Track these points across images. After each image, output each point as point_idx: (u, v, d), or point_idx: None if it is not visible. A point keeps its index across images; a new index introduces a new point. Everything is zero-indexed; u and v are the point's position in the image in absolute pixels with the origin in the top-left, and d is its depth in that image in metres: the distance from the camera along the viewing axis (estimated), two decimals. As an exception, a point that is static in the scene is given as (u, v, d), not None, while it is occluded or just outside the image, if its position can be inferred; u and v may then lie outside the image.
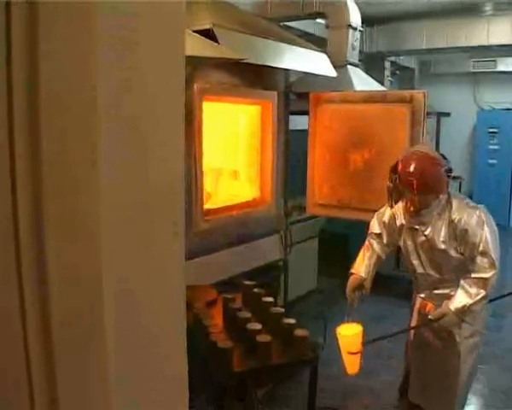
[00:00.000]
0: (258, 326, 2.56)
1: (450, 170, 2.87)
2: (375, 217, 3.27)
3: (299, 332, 2.58)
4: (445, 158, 2.88)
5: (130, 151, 0.85)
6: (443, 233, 2.88)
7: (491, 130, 9.56)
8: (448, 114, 7.91)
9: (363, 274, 3.15)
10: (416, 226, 2.97)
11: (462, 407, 3.33)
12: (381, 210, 3.20)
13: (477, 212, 2.83)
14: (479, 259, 2.78)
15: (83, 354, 0.83)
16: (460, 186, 9.02)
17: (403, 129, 3.87)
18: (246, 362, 2.48)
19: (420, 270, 3.09)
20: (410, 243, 3.07)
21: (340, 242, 5.82)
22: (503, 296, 2.71)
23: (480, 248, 2.77)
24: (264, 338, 2.48)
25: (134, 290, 0.88)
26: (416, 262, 3.09)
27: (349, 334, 2.57)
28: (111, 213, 0.82)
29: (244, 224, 4.05)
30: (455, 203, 2.87)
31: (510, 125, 9.39)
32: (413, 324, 3.32)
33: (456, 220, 2.83)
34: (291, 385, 3.92)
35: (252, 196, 4.33)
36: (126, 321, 0.87)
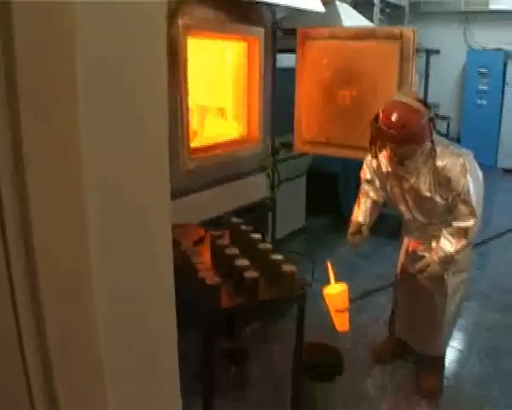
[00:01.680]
0: (245, 263, 2.58)
1: (432, 118, 2.85)
2: (365, 164, 3.28)
3: (287, 268, 2.60)
4: (427, 106, 2.86)
5: (113, 97, 0.84)
6: (428, 181, 2.89)
7: (480, 70, 9.50)
8: (437, 52, 7.83)
9: (360, 219, 3.18)
10: (402, 174, 2.99)
11: (447, 343, 3.44)
12: (368, 157, 3.20)
13: (461, 159, 2.84)
14: (460, 207, 2.82)
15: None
16: (448, 126, 9.03)
17: (392, 66, 3.82)
18: (234, 298, 2.50)
19: (408, 215, 3.13)
20: (396, 189, 3.09)
21: (328, 181, 5.84)
22: (493, 238, 2.76)
23: (462, 197, 2.80)
24: (251, 274, 2.50)
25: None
26: (403, 208, 3.13)
27: (335, 292, 2.60)
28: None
29: (231, 162, 4.03)
30: (439, 151, 2.87)
31: (500, 66, 9.33)
32: (400, 264, 3.39)
33: (439, 168, 2.84)
34: (280, 323, 4.01)
35: (239, 134, 4.30)
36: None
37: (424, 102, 2.89)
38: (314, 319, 3.81)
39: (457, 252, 2.86)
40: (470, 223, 2.80)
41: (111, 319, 0.89)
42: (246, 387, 3.41)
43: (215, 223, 3.56)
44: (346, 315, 2.66)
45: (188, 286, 2.66)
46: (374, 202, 3.23)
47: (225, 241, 2.90)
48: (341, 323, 2.68)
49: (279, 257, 2.67)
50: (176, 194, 3.43)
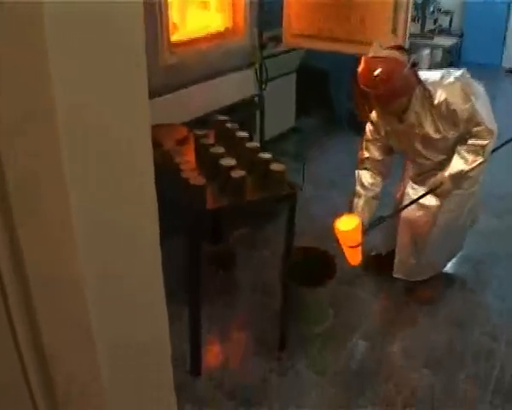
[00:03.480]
0: (232, 162, 2.52)
1: (415, 63, 2.73)
2: (364, 143, 3.12)
3: (276, 167, 2.54)
4: (407, 51, 2.76)
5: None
6: (432, 123, 2.82)
7: (487, -41, 9.11)
8: None
9: (365, 222, 2.95)
10: (403, 128, 2.90)
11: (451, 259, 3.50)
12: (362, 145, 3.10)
13: (457, 85, 2.74)
14: (474, 130, 2.78)
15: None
16: (451, 21, 8.74)
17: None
18: (219, 199, 2.47)
19: (421, 160, 3.07)
20: (403, 144, 3.02)
21: (319, 78, 5.66)
22: (497, 148, 2.72)
23: (473, 121, 2.75)
24: (238, 174, 2.45)
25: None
26: (415, 157, 3.08)
27: (348, 229, 2.53)
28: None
29: (216, 57, 3.90)
30: (432, 88, 2.76)
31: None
32: (402, 189, 3.37)
33: (439, 105, 2.75)
34: (270, 229, 4.03)
35: (223, 27, 4.15)
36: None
37: (403, 48, 2.77)
38: (305, 225, 3.85)
39: (472, 170, 2.82)
40: (487, 141, 2.76)
41: (92, 249, 0.88)
42: (234, 293, 3.44)
43: (199, 122, 3.47)
44: (359, 250, 2.63)
45: (170, 187, 2.63)
46: (375, 197, 3.08)
47: (210, 140, 2.82)
48: (354, 257, 2.65)
49: (267, 156, 2.61)
50: (156, 92, 3.33)
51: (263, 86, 4.40)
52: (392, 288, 3.48)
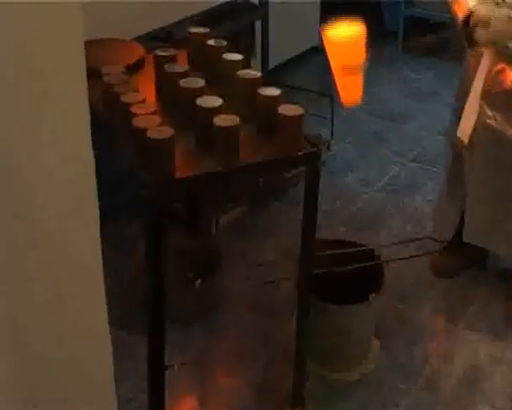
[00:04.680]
0: (216, 101, 2.45)
1: None
2: None
3: (288, 110, 2.46)
4: None
5: None
6: None
7: None
8: None
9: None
10: None
11: None
12: None
13: None
14: None
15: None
16: None
17: None
18: (197, 163, 2.42)
19: None
20: None
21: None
22: None
23: None
24: (226, 121, 2.37)
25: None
26: None
27: (344, 37, 2.56)
28: None
29: None
30: None
31: None
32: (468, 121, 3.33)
33: None
34: (276, 211, 3.98)
35: None
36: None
37: None
38: (333, 204, 3.80)
39: None
40: None
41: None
42: (220, 313, 3.43)
43: (163, 37, 3.41)
44: (359, 78, 2.64)
45: (117, 143, 2.61)
46: None
47: (181, 65, 2.76)
48: (350, 91, 2.68)
49: (274, 92, 2.54)
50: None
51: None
52: (476, 303, 3.47)
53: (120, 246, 3.43)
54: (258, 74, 2.68)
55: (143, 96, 2.62)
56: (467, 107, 3.29)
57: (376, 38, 5.37)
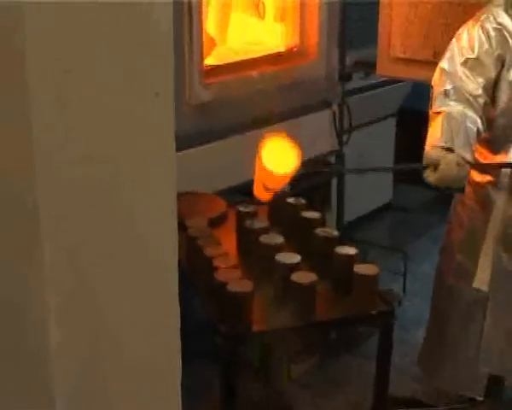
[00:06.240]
0: (294, 258, 2.53)
1: None
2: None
3: (363, 269, 2.53)
4: None
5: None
6: None
7: None
8: None
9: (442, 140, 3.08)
10: None
11: None
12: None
13: None
14: None
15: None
16: None
17: None
18: (274, 317, 2.47)
19: None
20: None
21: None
22: None
23: None
24: (304, 278, 2.44)
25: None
26: None
27: (273, 170, 2.51)
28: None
29: (271, 92, 3.92)
30: None
31: None
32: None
33: None
34: (343, 362, 3.95)
35: (285, 45, 4.23)
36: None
37: None
38: (401, 355, 3.75)
39: None
40: None
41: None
42: None
43: (244, 193, 3.52)
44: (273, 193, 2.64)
45: (198, 294, 2.68)
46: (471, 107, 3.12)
47: (261, 222, 2.86)
48: (262, 193, 2.63)
49: (350, 251, 2.61)
50: (179, 143, 3.38)
51: (343, 139, 4.45)
52: None
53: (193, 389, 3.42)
54: (335, 233, 2.77)
55: (225, 250, 2.70)
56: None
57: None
